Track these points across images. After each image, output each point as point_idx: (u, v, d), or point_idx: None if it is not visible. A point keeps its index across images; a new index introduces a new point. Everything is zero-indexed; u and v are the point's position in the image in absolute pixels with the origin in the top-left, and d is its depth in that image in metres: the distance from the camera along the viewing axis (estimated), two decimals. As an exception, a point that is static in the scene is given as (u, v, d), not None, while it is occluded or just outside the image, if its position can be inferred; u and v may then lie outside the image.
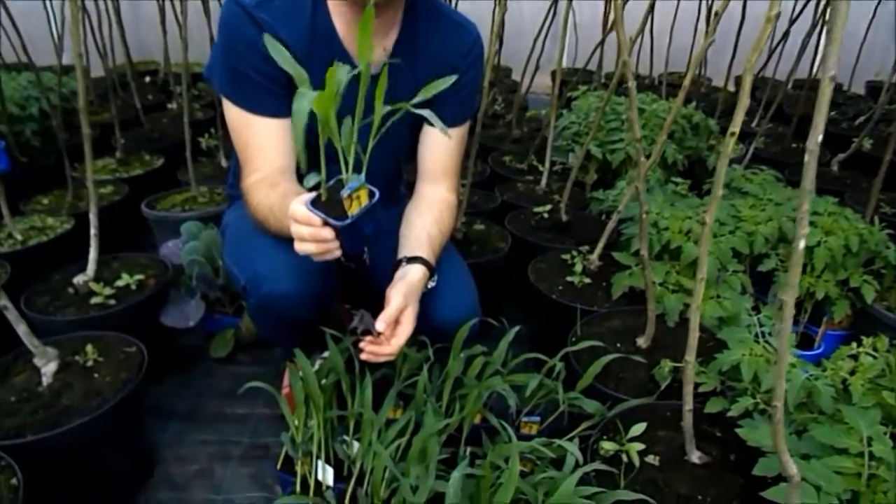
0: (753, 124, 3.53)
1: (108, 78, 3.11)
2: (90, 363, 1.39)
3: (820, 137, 0.65)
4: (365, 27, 0.85)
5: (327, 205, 1.02)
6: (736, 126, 0.96)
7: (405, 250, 1.33)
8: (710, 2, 3.77)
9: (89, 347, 1.40)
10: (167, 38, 2.93)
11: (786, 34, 3.36)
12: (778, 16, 0.81)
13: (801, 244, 0.68)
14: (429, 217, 1.38)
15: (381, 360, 1.24)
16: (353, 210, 1.00)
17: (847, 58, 3.98)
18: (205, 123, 3.06)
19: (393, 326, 1.21)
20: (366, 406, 1.29)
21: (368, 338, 1.23)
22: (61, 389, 1.32)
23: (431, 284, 1.34)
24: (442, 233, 1.38)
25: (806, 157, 0.66)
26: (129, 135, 3.02)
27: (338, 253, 1.03)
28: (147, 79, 4.27)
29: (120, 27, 3.31)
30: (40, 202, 2.38)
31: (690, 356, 1.09)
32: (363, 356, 1.23)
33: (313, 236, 1.01)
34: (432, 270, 1.31)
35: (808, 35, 2.93)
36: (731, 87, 3.78)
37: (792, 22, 3.30)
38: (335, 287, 1.41)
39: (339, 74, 0.88)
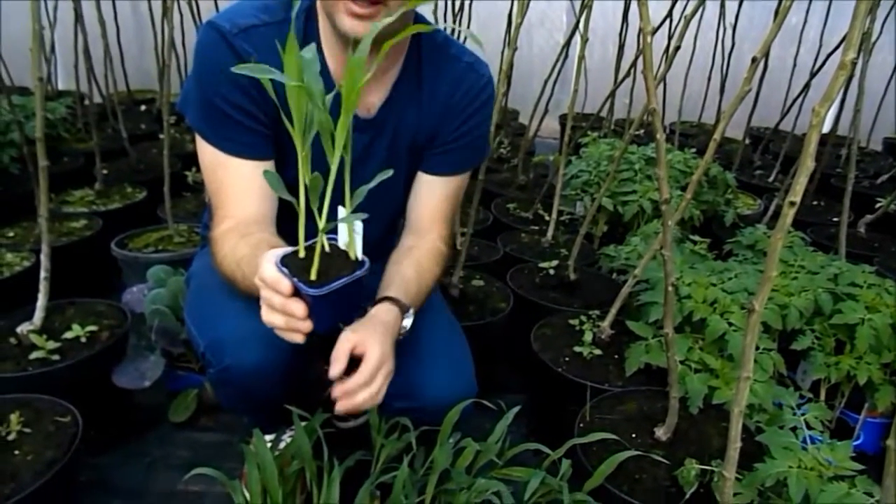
0: (770, 179, 3.37)
1: (91, 104, 2.95)
2: (12, 436, 1.18)
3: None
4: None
5: (303, 265, 0.82)
6: (797, 195, 0.78)
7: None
8: (725, 49, 3.68)
9: (14, 416, 1.20)
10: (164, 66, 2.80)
11: (806, 86, 3.23)
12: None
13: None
14: (404, 262, 1.18)
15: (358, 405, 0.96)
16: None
17: (866, 114, 3.87)
18: (194, 156, 2.88)
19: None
20: (332, 504, 1.08)
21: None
22: (-30, 470, 1.11)
23: (407, 322, 1.10)
24: (419, 273, 1.17)
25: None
26: (114, 165, 2.85)
27: (298, 339, 0.84)
28: (143, 107, 4.13)
29: (109, 52, 3.19)
30: (5, 235, 2.19)
31: (730, 471, 0.88)
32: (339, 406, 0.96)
33: (283, 307, 0.82)
34: (405, 309, 1.10)
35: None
36: (748, 140, 3.63)
37: (813, 75, 3.16)
38: (310, 361, 1.21)
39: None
